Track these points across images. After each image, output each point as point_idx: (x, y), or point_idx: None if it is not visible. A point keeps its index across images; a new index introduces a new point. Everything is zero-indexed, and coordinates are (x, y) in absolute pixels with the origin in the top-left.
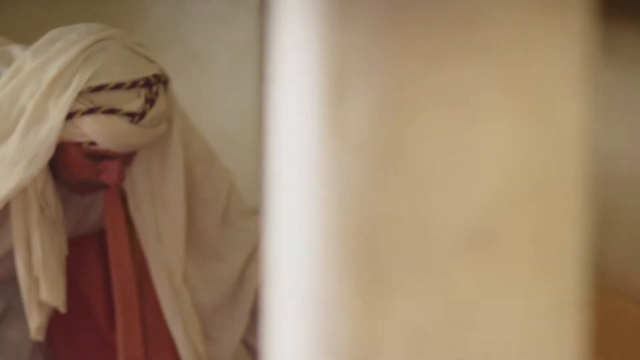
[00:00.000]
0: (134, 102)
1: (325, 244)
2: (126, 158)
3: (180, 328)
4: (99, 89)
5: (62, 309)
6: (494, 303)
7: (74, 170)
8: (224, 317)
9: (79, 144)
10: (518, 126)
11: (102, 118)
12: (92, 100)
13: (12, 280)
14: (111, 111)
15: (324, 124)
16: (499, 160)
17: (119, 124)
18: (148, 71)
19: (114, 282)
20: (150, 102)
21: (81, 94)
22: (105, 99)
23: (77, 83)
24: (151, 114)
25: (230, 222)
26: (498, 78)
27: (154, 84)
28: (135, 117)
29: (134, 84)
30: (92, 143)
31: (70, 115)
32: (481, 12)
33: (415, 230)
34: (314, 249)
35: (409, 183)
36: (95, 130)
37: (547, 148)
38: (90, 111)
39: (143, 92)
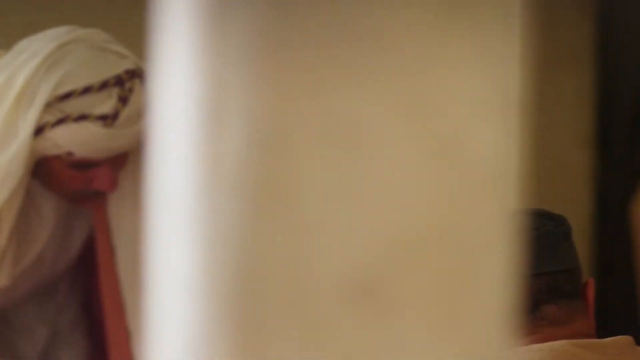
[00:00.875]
0: (105, 103)
1: (199, 291)
2: (116, 161)
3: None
4: (67, 96)
5: None
6: None
7: (63, 183)
8: None
9: (58, 156)
10: (418, 162)
11: (73, 126)
12: (61, 109)
13: (48, 295)
14: (82, 117)
15: (199, 154)
16: (394, 200)
17: (91, 129)
18: (118, 68)
19: (103, 294)
20: (123, 100)
21: (49, 104)
22: (74, 106)
23: (42, 94)
24: (125, 112)
25: None
26: (395, 106)
27: (127, 81)
28: (107, 119)
29: (103, 85)
30: (70, 153)
31: (41, 129)
32: (376, 31)
33: (295, 279)
34: (189, 296)
35: (289, 225)
36: (68, 140)
37: (457, 186)
38: (60, 121)
39: (115, 91)
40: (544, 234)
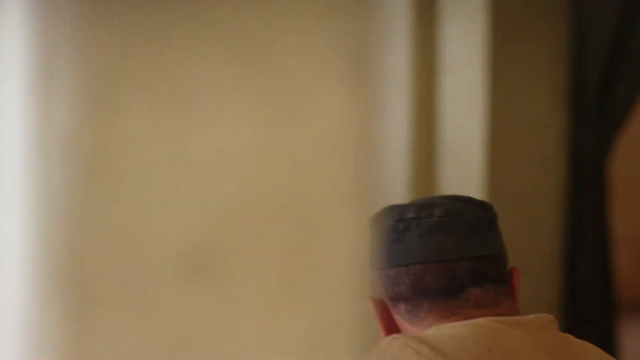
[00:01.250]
0: None
1: (28, 264)
2: None
3: None
4: None
5: None
6: (229, 337)
7: None
8: None
9: None
10: (257, 130)
11: None
12: None
13: None
14: None
15: (28, 122)
16: (230, 169)
17: None
18: None
19: None
20: None
21: None
22: None
23: None
24: None
25: None
26: (235, 71)
27: None
28: None
29: None
30: None
31: None
32: None
33: (127, 251)
34: (18, 269)
35: (118, 193)
36: None
37: (299, 156)
38: None
39: None
40: (470, 219)
